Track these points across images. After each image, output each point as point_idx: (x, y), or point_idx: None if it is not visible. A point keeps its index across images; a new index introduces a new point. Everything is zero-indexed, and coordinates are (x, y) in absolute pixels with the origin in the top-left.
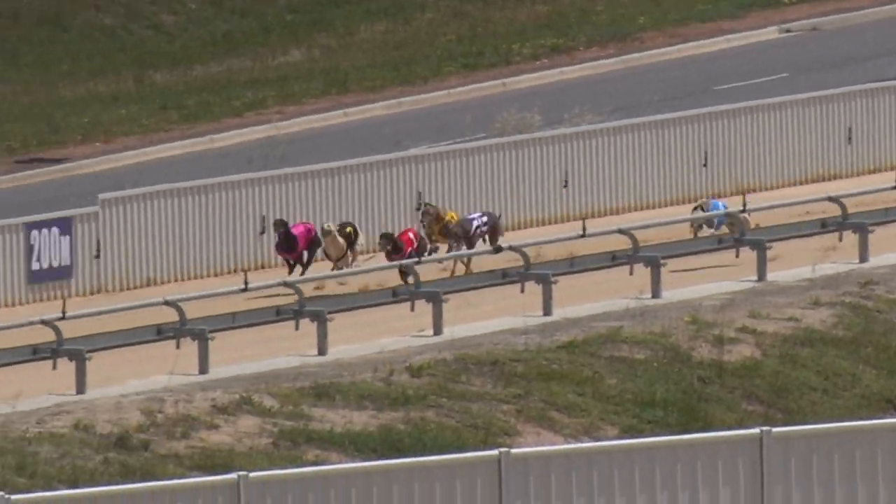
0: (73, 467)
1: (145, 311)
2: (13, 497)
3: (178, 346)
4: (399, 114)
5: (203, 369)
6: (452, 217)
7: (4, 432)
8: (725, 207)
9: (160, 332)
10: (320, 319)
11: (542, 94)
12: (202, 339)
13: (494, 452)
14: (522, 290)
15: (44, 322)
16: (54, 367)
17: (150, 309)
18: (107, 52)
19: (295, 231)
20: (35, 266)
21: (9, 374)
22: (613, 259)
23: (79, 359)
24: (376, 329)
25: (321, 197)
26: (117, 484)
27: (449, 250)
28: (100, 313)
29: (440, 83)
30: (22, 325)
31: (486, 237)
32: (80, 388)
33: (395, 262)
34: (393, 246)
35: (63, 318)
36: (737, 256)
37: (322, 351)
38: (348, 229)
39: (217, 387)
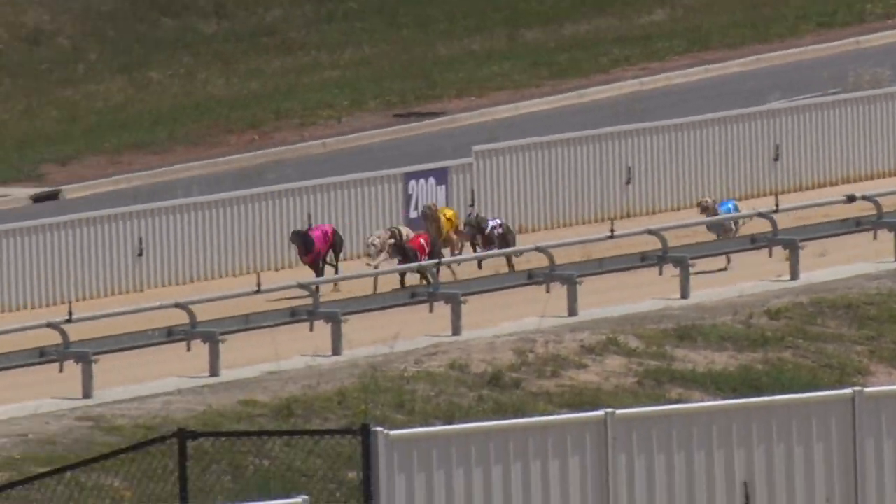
0: (448, 404)
1: (521, 258)
2: (392, 433)
3: (547, 291)
4: (756, 70)
5: (572, 311)
6: (453, 216)
7: (384, 372)
8: (735, 207)
9: (531, 277)
10: (682, 265)
11: (893, 51)
12: (571, 283)
13: (848, 391)
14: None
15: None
16: (430, 311)
17: (525, 256)
18: (481, 12)
19: (312, 234)
20: (413, 214)
21: (390, 316)
22: None
23: (454, 302)
24: (738, 274)
25: (683, 149)
26: (490, 420)
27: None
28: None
29: (796, 41)
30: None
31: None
32: (456, 330)
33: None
34: (403, 254)
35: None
36: None
37: (685, 294)
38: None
39: (585, 328)
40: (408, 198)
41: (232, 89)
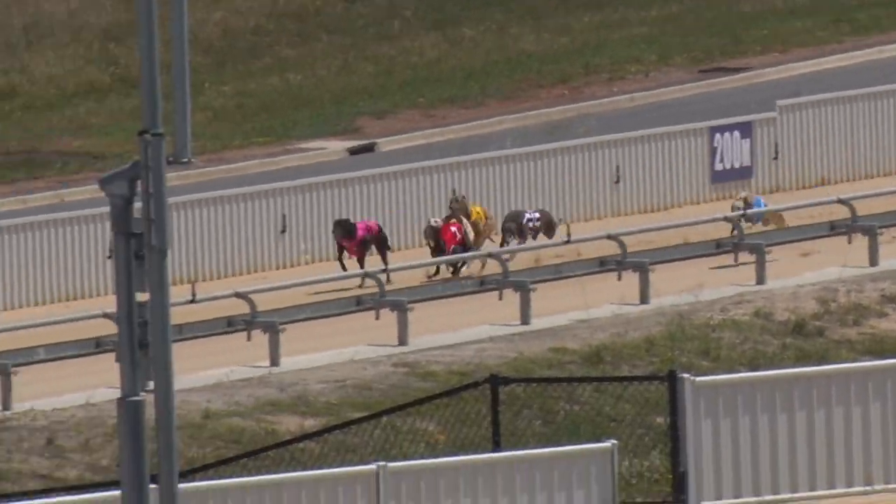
0: (753, 352)
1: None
2: (698, 379)
3: (849, 242)
4: None
5: (873, 262)
6: (479, 212)
7: (690, 320)
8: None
9: (833, 228)
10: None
11: None
12: (872, 234)
13: None
14: None
15: None
16: (735, 262)
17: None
18: None
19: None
20: (718, 167)
21: (696, 266)
22: None
23: (758, 252)
24: None
25: None
26: (794, 367)
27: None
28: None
29: None
30: (705, 222)
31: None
32: (760, 280)
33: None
34: (435, 244)
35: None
36: None
37: None
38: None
39: (885, 278)
40: (713, 151)
41: (542, 44)
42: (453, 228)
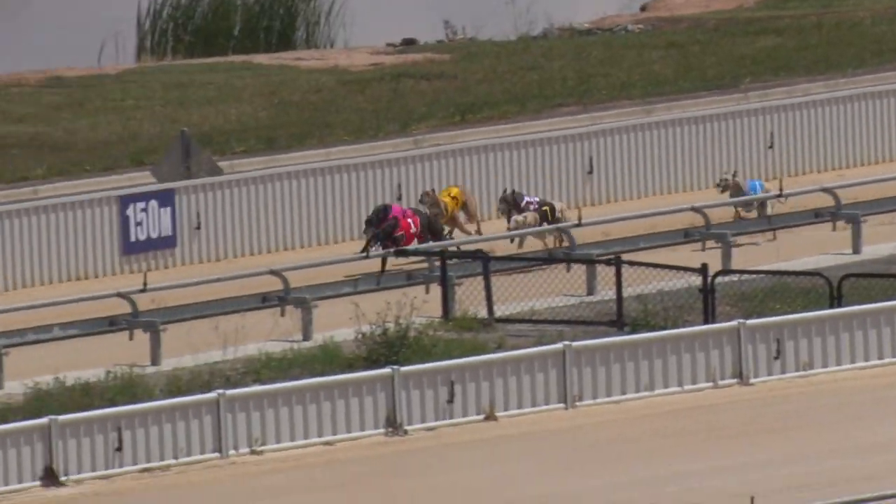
0: None
1: None
2: None
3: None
4: None
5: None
6: (455, 195)
7: None
8: (762, 186)
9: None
10: None
11: None
12: None
13: None
14: None
15: None
16: None
17: None
18: None
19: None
20: None
21: None
22: None
23: None
24: None
25: None
26: None
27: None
28: None
29: None
30: None
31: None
32: None
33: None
34: (388, 237)
35: None
36: None
37: None
38: (545, 207)
39: None
40: None
41: None
42: (409, 220)
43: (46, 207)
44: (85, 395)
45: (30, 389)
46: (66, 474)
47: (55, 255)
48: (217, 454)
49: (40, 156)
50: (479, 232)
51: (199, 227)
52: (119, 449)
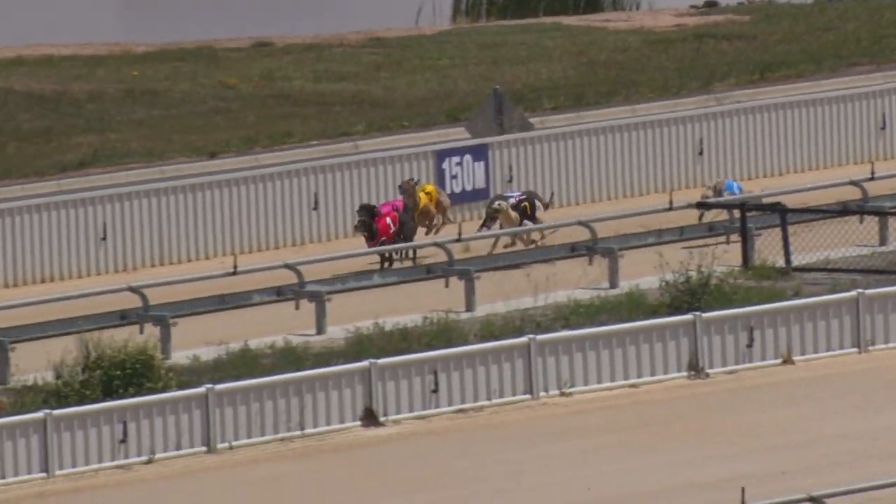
0: None
1: None
2: None
3: None
4: None
5: None
6: (429, 192)
7: None
8: (741, 188)
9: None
10: None
11: None
12: None
13: None
14: None
15: None
16: None
17: None
18: None
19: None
20: None
21: None
22: None
23: None
24: None
25: None
26: None
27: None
28: None
29: None
30: None
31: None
32: None
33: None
34: (369, 232)
35: None
36: None
37: None
38: (523, 203)
39: None
40: None
41: None
42: (388, 219)
43: (367, 161)
44: (403, 340)
45: (351, 334)
46: (385, 415)
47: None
48: (528, 396)
49: (361, 112)
50: (437, 231)
51: (510, 180)
52: (435, 391)
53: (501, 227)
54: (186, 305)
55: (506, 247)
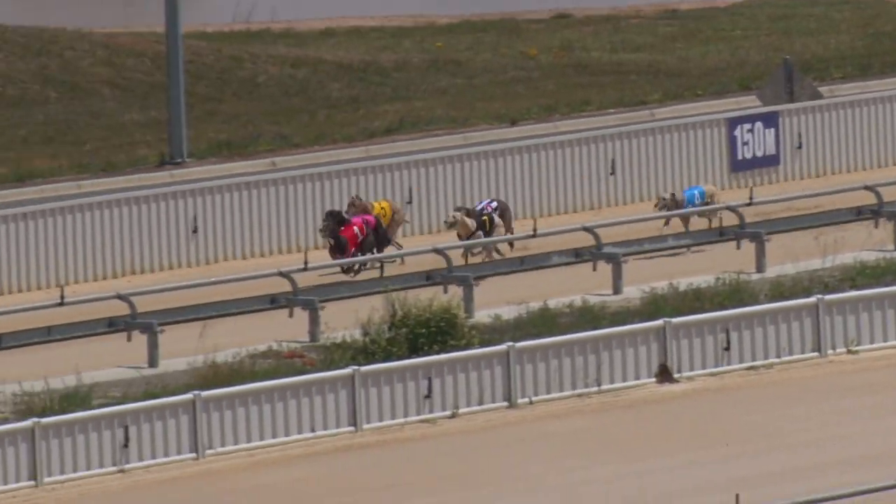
0: None
1: None
2: None
3: None
4: None
5: None
6: (384, 206)
7: None
8: (702, 194)
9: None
10: None
11: None
12: None
13: None
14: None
15: None
16: None
17: None
18: None
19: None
20: None
21: None
22: None
23: None
24: None
25: None
26: None
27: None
28: None
29: None
30: None
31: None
32: None
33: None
34: (336, 243)
35: None
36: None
37: None
38: (484, 217)
39: None
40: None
41: None
42: (356, 228)
43: (661, 129)
44: (696, 300)
45: (646, 294)
46: (679, 372)
47: (667, 172)
48: (816, 353)
49: (656, 82)
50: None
51: (800, 147)
52: (727, 348)
53: (459, 237)
54: (489, 267)
55: (473, 255)
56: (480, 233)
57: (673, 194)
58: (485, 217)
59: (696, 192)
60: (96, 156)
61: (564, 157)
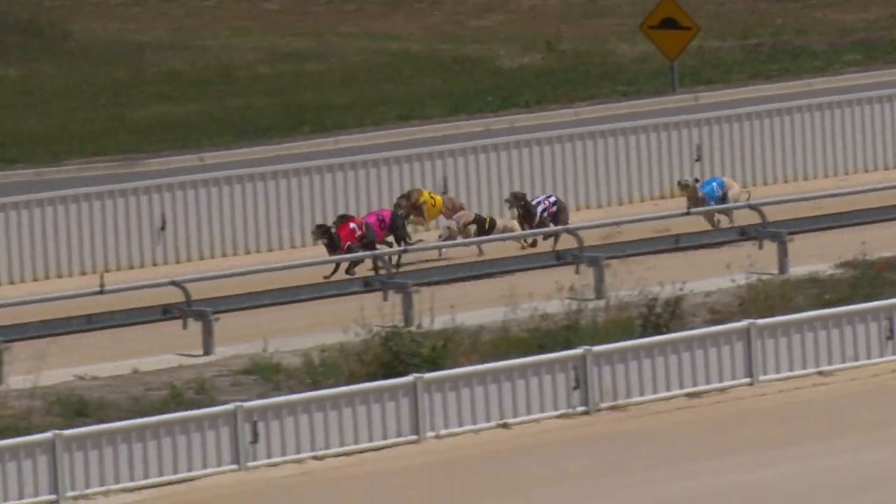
0: None
1: None
2: None
3: None
4: None
5: None
6: (434, 197)
7: None
8: (721, 185)
9: None
10: None
11: None
12: None
13: None
14: None
15: None
16: None
17: None
18: None
19: (368, 219)
20: None
21: None
22: None
23: None
24: None
25: None
26: None
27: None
28: None
29: None
30: None
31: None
32: None
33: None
34: (329, 240)
35: None
36: None
37: None
38: (485, 217)
39: None
40: None
41: None
42: (352, 225)
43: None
44: None
45: None
46: None
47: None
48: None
49: None
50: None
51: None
52: None
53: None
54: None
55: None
56: (474, 226)
57: (697, 179)
58: (486, 217)
59: (714, 183)
60: None
61: None
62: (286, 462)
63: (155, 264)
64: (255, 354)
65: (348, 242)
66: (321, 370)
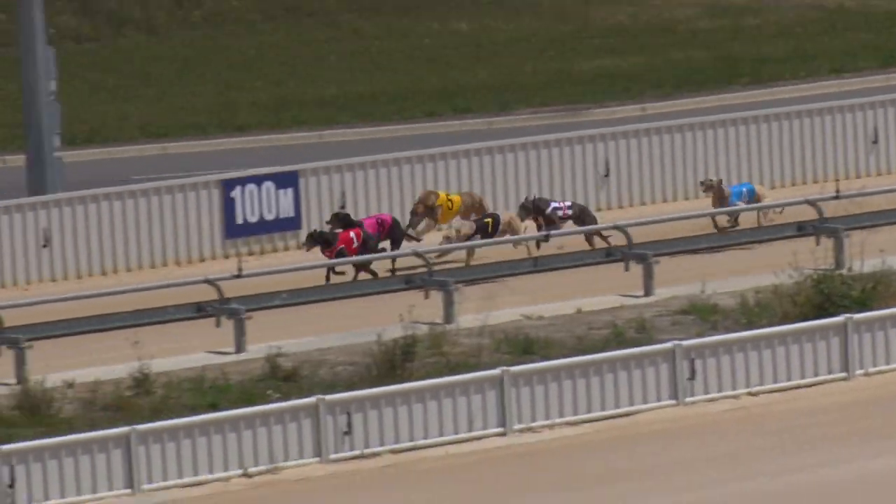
0: None
1: None
2: None
3: None
4: None
5: None
6: (451, 199)
7: None
8: (751, 192)
9: None
10: None
11: None
12: None
13: None
14: None
15: None
16: None
17: None
18: None
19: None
20: None
21: None
22: None
23: None
24: None
25: None
26: None
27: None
28: None
29: None
30: None
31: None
32: None
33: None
34: (324, 242)
35: None
36: None
37: None
38: (487, 220)
39: None
40: None
41: None
42: (352, 234)
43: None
44: None
45: None
46: None
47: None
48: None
49: None
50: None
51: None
52: None
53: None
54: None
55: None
56: (478, 236)
57: (721, 180)
58: (487, 220)
59: (743, 189)
60: None
61: None
62: (722, 398)
63: (598, 209)
64: (693, 296)
65: (341, 246)
66: (756, 311)
